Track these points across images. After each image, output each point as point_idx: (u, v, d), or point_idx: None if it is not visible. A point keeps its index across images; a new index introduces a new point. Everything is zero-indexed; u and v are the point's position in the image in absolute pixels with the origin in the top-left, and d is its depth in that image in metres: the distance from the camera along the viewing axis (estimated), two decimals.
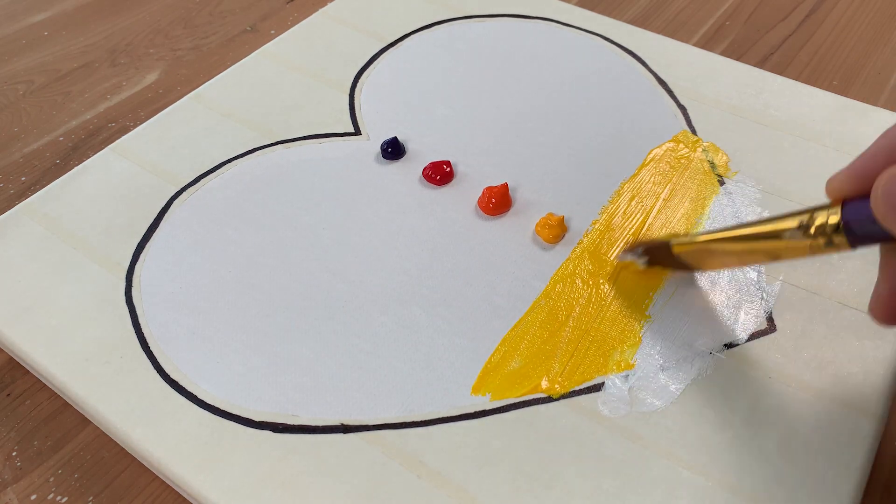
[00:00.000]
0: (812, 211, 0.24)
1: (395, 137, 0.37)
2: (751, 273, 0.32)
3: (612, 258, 0.32)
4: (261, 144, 0.38)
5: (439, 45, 0.44)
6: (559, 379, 0.29)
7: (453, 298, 0.31)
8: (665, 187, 0.36)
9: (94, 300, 0.31)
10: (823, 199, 0.35)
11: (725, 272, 0.32)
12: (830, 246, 0.24)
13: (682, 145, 0.37)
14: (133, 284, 0.32)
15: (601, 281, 0.32)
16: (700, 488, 0.26)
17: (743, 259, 0.29)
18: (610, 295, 0.31)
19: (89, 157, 0.38)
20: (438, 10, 0.46)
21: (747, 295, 0.31)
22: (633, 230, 0.34)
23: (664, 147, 0.38)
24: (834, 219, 0.23)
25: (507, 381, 0.29)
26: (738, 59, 0.43)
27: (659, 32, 0.45)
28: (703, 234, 0.29)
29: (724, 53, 0.45)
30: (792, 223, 0.25)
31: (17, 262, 0.33)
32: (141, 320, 0.31)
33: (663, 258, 0.31)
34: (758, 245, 0.27)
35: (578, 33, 0.45)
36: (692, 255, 0.30)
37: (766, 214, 0.34)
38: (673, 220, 0.34)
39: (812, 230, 0.24)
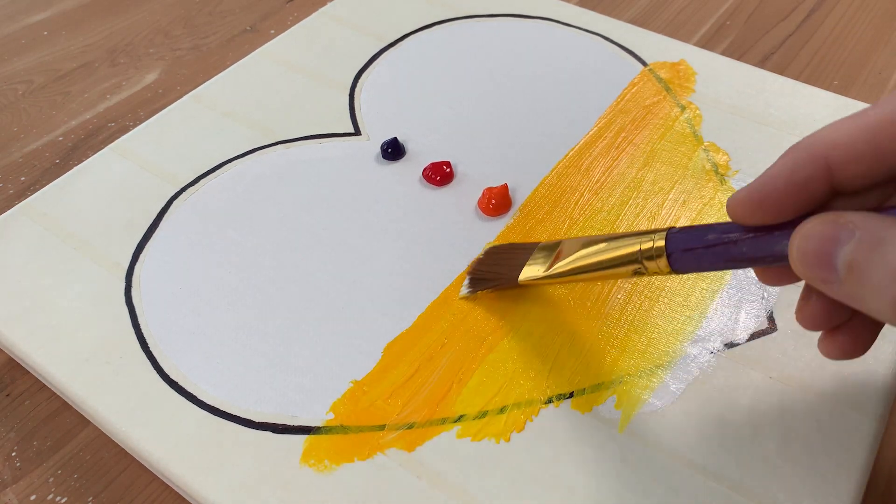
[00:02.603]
0: (641, 238, 0.24)
1: (395, 138, 0.37)
2: (751, 271, 0.32)
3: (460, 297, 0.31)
4: (261, 144, 0.38)
5: (439, 45, 0.44)
6: (546, 383, 0.29)
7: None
8: (670, 190, 0.36)
9: (93, 300, 0.31)
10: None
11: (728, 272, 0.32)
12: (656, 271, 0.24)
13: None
14: (133, 284, 0.32)
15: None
16: (700, 488, 0.26)
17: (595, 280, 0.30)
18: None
19: (89, 157, 0.38)
20: (438, 10, 0.46)
21: (748, 294, 0.31)
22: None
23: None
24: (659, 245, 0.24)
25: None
26: (738, 59, 0.43)
27: (659, 32, 0.45)
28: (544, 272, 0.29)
29: (724, 53, 0.45)
30: (632, 251, 0.25)
31: (17, 262, 0.33)
32: (141, 320, 0.31)
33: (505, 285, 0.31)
34: (605, 274, 0.26)
35: (578, 33, 0.45)
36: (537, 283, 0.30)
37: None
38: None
39: (644, 259, 0.24)
